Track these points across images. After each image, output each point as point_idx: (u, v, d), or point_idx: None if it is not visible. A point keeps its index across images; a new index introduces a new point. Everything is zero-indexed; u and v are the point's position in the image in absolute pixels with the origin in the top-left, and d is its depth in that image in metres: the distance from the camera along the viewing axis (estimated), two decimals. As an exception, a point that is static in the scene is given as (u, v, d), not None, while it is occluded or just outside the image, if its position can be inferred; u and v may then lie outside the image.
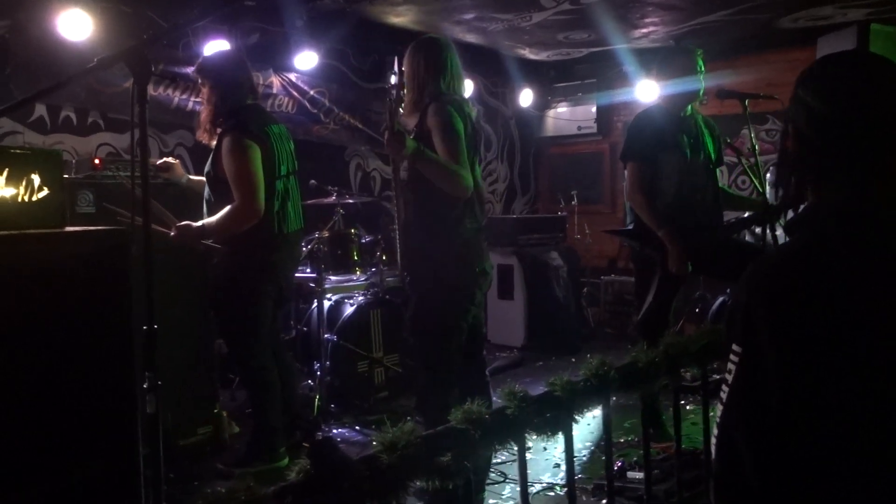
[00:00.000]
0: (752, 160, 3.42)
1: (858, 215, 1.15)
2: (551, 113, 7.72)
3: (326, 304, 4.34)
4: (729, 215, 3.82)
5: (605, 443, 1.73)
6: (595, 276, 6.87)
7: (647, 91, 6.31)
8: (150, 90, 4.37)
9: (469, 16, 5.50)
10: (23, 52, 4.13)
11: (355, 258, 4.49)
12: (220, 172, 3.22)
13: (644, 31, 6.02)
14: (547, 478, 3.29)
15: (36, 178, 1.90)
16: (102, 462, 1.98)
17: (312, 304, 4.41)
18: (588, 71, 7.33)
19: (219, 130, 3.29)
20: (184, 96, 4.83)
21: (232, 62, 3.44)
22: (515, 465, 3.24)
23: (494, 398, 3.06)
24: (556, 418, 1.44)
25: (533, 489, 3.15)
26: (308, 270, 4.29)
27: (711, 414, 2.03)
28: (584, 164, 7.77)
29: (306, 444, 1.25)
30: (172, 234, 3.16)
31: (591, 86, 7.35)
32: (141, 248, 1.70)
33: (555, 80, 7.58)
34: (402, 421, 1.34)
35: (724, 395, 1.22)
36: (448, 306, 2.72)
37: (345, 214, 4.78)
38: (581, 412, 1.53)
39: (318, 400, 4.00)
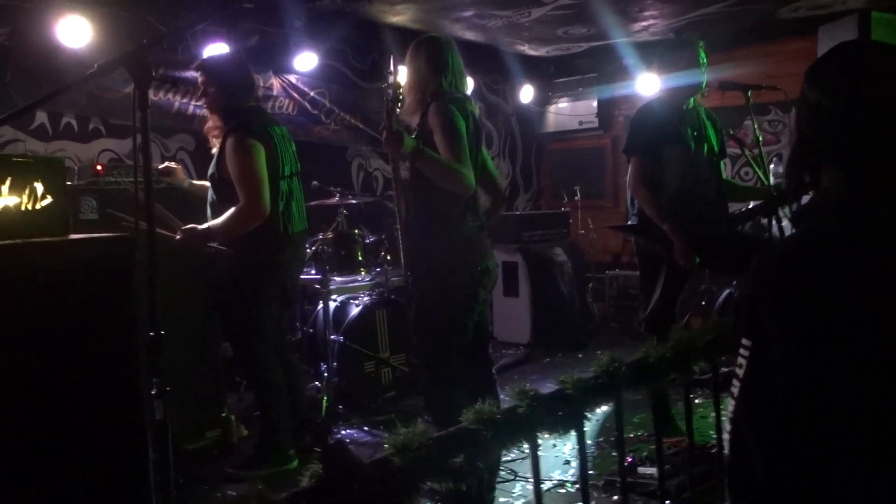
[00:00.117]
0: (756, 151, 3.41)
1: (858, 212, 1.14)
2: (552, 108, 7.71)
3: (332, 305, 4.34)
4: (734, 207, 3.81)
5: (617, 439, 1.72)
6: (599, 271, 6.86)
7: (647, 84, 6.29)
8: (151, 95, 4.37)
9: (468, 13, 5.49)
10: (23, 59, 4.13)
11: (360, 259, 4.48)
12: (224, 174, 3.21)
13: (643, 24, 6.00)
14: (557, 475, 3.28)
15: (39, 187, 1.90)
16: (111, 467, 1.99)
17: (318, 305, 4.41)
18: (588, 65, 7.30)
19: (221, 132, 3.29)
20: (184, 100, 4.82)
21: (236, 64, 3.44)
22: (525, 462, 3.25)
23: (503, 396, 3.06)
24: (568, 416, 1.43)
25: (543, 487, 3.13)
26: (313, 272, 4.29)
27: (722, 408, 2.02)
28: (586, 159, 7.74)
29: (318, 449, 1.25)
30: (178, 237, 3.15)
31: (592, 80, 7.33)
32: (145, 252, 1.70)
33: (555, 75, 7.56)
34: (412, 421, 1.33)
35: (735, 390, 1.22)
36: (449, 305, 2.71)
37: (348, 215, 4.77)
38: (592, 409, 1.52)
39: (326, 401, 4.00)
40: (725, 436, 1.20)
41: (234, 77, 3.31)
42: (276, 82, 5.40)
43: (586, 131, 7.56)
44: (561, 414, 1.42)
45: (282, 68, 5.39)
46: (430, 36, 2.93)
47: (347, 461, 1.09)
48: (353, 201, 4.86)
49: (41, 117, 4.38)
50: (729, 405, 1.23)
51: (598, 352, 1.81)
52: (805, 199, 1.26)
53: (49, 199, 1.92)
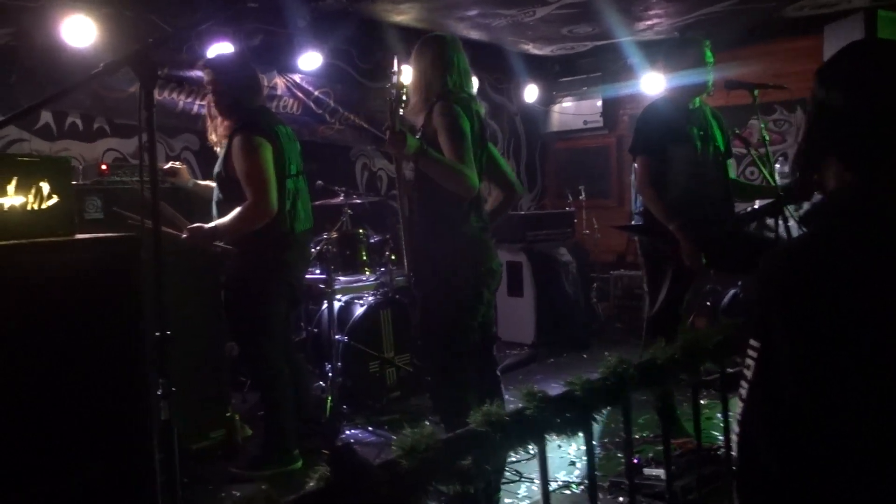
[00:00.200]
0: (763, 150, 3.39)
1: (865, 213, 1.13)
2: (556, 108, 7.69)
3: (336, 304, 4.34)
4: (740, 207, 3.80)
5: (625, 441, 1.71)
6: (604, 271, 6.84)
7: (652, 83, 6.27)
8: (156, 94, 4.36)
9: (472, 12, 5.48)
10: (27, 59, 4.13)
11: (364, 258, 4.48)
12: (231, 172, 3.21)
13: (648, 23, 5.99)
14: (562, 476, 3.27)
15: (45, 186, 1.90)
16: (117, 467, 1.98)
17: (322, 305, 4.40)
18: (592, 65, 7.29)
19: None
20: (188, 100, 4.82)
21: (243, 64, 3.44)
22: (530, 463, 3.23)
23: (509, 396, 3.05)
24: (576, 418, 1.42)
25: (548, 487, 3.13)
26: (317, 272, 4.28)
27: (730, 412, 2.01)
28: (591, 158, 7.73)
29: (325, 451, 1.24)
30: (184, 235, 3.15)
31: (596, 79, 7.31)
32: (151, 251, 1.70)
33: (559, 74, 7.54)
34: (418, 422, 1.32)
35: (743, 392, 1.21)
36: (453, 306, 2.70)
37: (352, 215, 4.76)
38: (600, 411, 1.52)
39: (330, 401, 3.99)
40: (733, 437, 1.20)
41: (241, 77, 3.31)
42: (280, 82, 5.40)
43: (591, 131, 7.54)
44: (569, 416, 1.41)
45: (286, 68, 5.39)
46: (435, 35, 2.92)
47: (355, 463, 1.08)
48: (358, 201, 4.85)
49: (46, 117, 4.38)
50: (737, 407, 1.22)
51: (607, 353, 1.80)
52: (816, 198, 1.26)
53: (55, 199, 1.92)
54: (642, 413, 3.76)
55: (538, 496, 3.04)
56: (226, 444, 3.66)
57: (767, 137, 3.43)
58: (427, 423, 3.23)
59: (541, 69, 7.36)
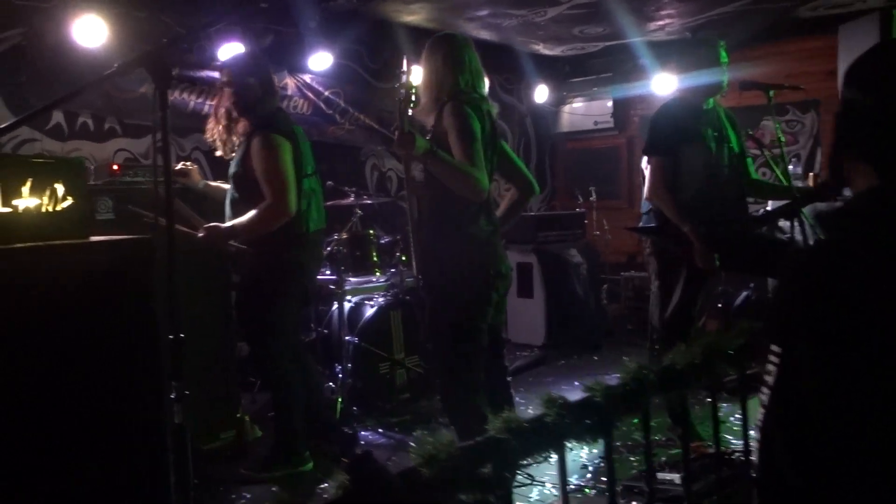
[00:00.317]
0: (777, 151, 3.36)
1: (889, 216, 1.11)
2: (567, 108, 7.67)
3: (347, 305, 4.33)
4: (754, 208, 3.77)
5: (645, 447, 1.69)
6: (615, 273, 6.82)
7: (663, 84, 6.24)
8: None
9: (483, 12, 5.47)
10: (38, 59, 4.14)
11: (374, 259, 4.47)
12: (249, 172, 3.19)
13: (660, 23, 5.95)
14: (575, 479, 3.25)
15: (60, 188, 1.89)
16: (129, 469, 1.98)
17: (332, 306, 4.39)
18: (603, 65, 7.26)
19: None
20: (199, 100, 4.82)
21: (262, 65, 3.41)
22: (541, 466, 3.21)
23: (519, 398, 3.03)
24: (597, 425, 1.40)
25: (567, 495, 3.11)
26: (328, 272, 4.27)
27: (749, 415, 1.99)
28: (601, 159, 7.70)
29: (344, 459, 1.23)
30: (200, 234, 3.14)
31: (607, 80, 7.29)
32: (164, 251, 1.69)
33: (570, 75, 7.52)
34: (429, 424, 1.30)
35: (764, 398, 1.19)
36: (461, 308, 2.68)
37: (362, 215, 4.75)
38: (621, 417, 1.50)
39: (340, 402, 3.98)
40: (752, 442, 1.18)
41: (259, 77, 3.29)
42: (290, 82, 5.39)
43: (601, 131, 7.52)
44: (589, 422, 1.39)
45: (296, 68, 5.38)
46: (446, 34, 2.90)
47: (374, 471, 1.07)
48: (368, 202, 4.84)
49: (57, 117, 4.39)
50: (758, 412, 1.20)
51: (625, 358, 1.79)
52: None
53: (70, 201, 1.91)
54: (652, 416, 3.74)
55: (551, 499, 3.03)
56: (235, 445, 3.65)
57: (783, 139, 3.40)
58: (440, 425, 3.21)
59: (551, 69, 7.33)
